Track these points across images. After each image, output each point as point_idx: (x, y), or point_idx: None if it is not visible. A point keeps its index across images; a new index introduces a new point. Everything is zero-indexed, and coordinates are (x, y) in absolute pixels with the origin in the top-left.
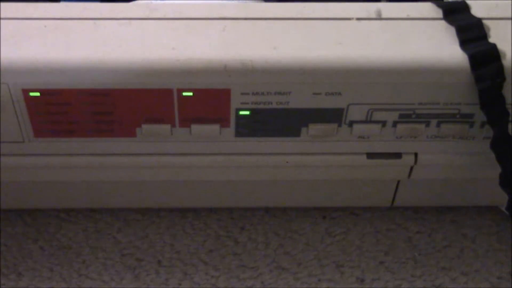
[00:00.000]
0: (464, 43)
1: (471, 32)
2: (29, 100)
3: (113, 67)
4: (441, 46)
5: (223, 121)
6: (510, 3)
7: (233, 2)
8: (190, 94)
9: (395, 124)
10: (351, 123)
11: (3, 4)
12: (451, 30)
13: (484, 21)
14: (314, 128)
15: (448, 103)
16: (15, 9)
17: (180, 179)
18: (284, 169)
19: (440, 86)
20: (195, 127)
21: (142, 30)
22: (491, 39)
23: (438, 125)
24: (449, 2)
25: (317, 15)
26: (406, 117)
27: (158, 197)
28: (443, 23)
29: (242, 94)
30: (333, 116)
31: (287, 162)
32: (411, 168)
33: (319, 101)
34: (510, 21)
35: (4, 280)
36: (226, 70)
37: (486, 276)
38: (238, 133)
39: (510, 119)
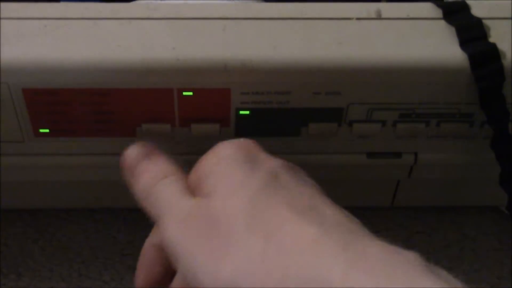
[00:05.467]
0: (464, 43)
1: (471, 32)
2: (29, 100)
3: (113, 67)
4: (441, 46)
5: (223, 121)
6: (510, 3)
7: (233, 2)
8: (190, 93)
9: (395, 123)
10: (351, 123)
11: (3, 4)
12: (451, 30)
13: (484, 21)
14: (314, 128)
15: (448, 103)
16: (15, 9)
17: None
18: None
19: (440, 86)
20: (195, 127)
21: (142, 30)
22: (491, 39)
23: (438, 124)
24: (449, 2)
25: (317, 15)
26: (406, 117)
27: None
28: (443, 23)
29: (242, 93)
30: (333, 115)
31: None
32: (411, 167)
33: (319, 101)
34: (510, 21)
35: (4, 280)
36: (226, 70)
37: (486, 276)
38: (238, 133)
39: (510, 118)
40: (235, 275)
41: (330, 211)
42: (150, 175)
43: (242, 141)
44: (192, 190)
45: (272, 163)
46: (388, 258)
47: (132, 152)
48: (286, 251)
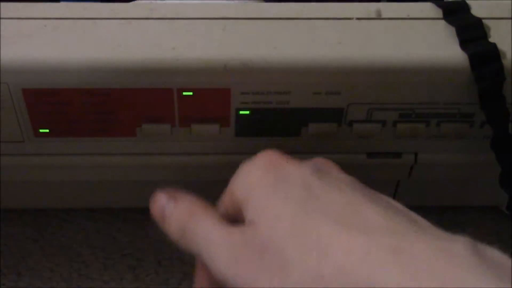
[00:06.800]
0: (464, 43)
1: (471, 32)
2: (29, 100)
3: (113, 67)
4: (441, 46)
5: (223, 121)
6: (510, 3)
7: (233, 2)
8: (190, 93)
9: (395, 123)
10: (351, 123)
11: (3, 4)
12: (451, 30)
13: (484, 21)
14: (314, 128)
15: (448, 103)
16: (15, 9)
17: (180, 179)
18: None
19: (440, 86)
20: (195, 127)
21: (142, 30)
22: (491, 39)
23: (438, 124)
24: (449, 2)
25: (317, 15)
26: (406, 117)
27: None
28: (443, 23)
29: (242, 93)
30: (333, 115)
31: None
32: (411, 167)
33: (319, 101)
34: (510, 21)
35: (4, 280)
36: (226, 70)
37: None
38: (238, 133)
39: (510, 118)
40: None
41: (371, 212)
42: (181, 213)
43: (265, 156)
44: (229, 218)
45: (300, 173)
46: (437, 257)
47: (158, 198)
48: (340, 268)
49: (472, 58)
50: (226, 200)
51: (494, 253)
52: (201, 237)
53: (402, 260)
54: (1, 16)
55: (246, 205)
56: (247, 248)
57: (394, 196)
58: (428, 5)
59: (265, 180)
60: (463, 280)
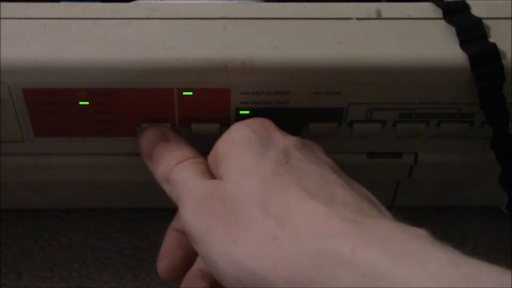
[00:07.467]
0: (464, 43)
1: (471, 32)
2: (29, 100)
3: (113, 67)
4: (441, 46)
5: (223, 121)
6: (510, 3)
7: (233, 2)
8: (190, 93)
9: (395, 123)
10: (351, 123)
11: (3, 4)
12: (451, 30)
13: (484, 21)
14: (314, 128)
15: (448, 103)
16: (15, 9)
17: None
18: None
19: (440, 86)
20: (195, 127)
21: (142, 30)
22: (491, 39)
23: (438, 124)
24: (449, 2)
25: (317, 15)
26: (406, 117)
27: (158, 197)
28: (443, 23)
29: (242, 93)
30: (333, 115)
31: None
32: (411, 168)
33: (319, 101)
34: (510, 21)
35: (4, 280)
36: (226, 70)
37: None
38: None
39: (510, 118)
40: (247, 256)
41: (341, 191)
42: (168, 159)
43: (255, 121)
44: (212, 172)
45: (284, 142)
46: (398, 232)
47: (148, 136)
48: (296, 232)
49: (472, 58)
50: (211, 155)
51: (451, 248)
52: (180, 187)
53: (360, 229)
54: (1, 16)
55: (222, 160)
56: (211, 200)
57: (394, 196)
58: (428, 5)
59: (247, 139)
60: (421, 249)
